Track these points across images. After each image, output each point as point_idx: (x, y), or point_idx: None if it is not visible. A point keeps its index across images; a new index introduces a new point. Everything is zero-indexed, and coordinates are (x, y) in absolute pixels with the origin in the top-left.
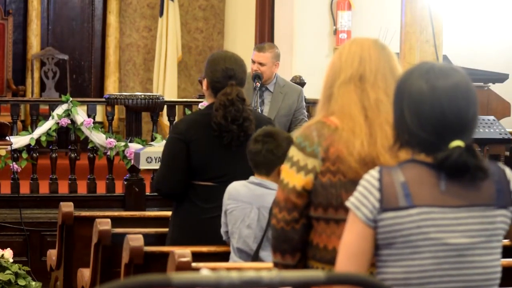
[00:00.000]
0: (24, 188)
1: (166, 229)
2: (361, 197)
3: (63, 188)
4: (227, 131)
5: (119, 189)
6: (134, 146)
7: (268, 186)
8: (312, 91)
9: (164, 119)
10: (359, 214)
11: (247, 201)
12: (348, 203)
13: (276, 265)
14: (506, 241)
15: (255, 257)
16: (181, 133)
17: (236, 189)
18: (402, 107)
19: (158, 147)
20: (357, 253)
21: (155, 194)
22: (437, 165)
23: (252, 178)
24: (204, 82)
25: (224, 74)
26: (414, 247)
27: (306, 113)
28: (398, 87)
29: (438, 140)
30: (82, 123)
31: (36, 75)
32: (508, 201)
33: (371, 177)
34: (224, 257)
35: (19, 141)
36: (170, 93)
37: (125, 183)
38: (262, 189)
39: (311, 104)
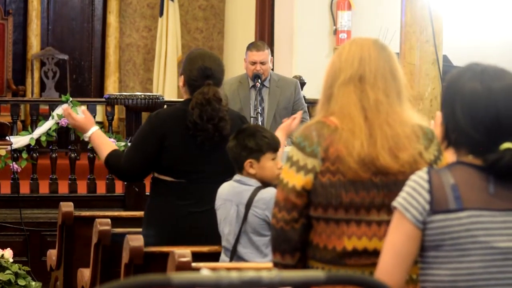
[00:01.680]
0: (24, 188)
1: None
2: (410, 198)
3: (63, 188)
4: (202, 130)
5: (119, 189)
6: None
7: (245, 183)
8: (312, 91)
9: None
10: (408, 215)
11: (228, 199)
12: (395, 203)
13: (276, 265)
14: None
15: (233, 254)
16: (157, 123)
17: (222, 187)
18: (454, 107)
19: None
20: (403, 253)
21: None
22: (486, 168)
23: (235, 176)
24: (181, 79)
25: (201, 73)
26: (463, 250)
27: (305, 104)
28: (449, 87)
29: (489, 142)
30: None
31: (36, 75)
32: None
33: (420, 178)
34: None
35: (19, 141)
36: (170, 93)
37: (125, 183)
38: (241, 185)
39: (311, 104)
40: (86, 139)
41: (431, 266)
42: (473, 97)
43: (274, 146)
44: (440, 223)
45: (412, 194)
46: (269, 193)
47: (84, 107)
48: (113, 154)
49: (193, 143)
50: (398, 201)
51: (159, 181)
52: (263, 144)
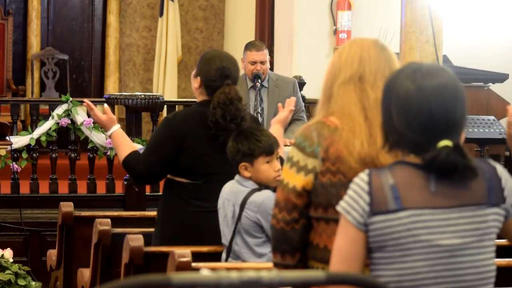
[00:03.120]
0: (24, 188)
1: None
2: (351, 201)
3: (63, 188)
4: (224, 130)
5: (119, 189)
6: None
7: (243, 184)
8: (312, 91)
9: None
10: (349, 218)
11: (227, 198)
12: (338, 207)
13: (276, 265)
14: (504, 241)
15: (229, 253)
16: (176, 125)
17: (225, 187)
18: (390, 108)
19: None
20: (350, 256)
21: (155, 194)
22: (426, 166)
23: (235, 176)
24: (197, 80)
25: (220, 73)
26: (405, 249)
27: (303, 103)
28: (386, 88)
29: (426, 141)
30: (82, 123)
31: (36, 75)
32: (500, 198)
33: (360, 181)
34: None
35: (19, 141)
36: (170, 93)
37: (125, 183)
38: (238, 186)
39: (311, 104)
40: (107, 137)
41: (378, 268)
42: (406, 97)
43: (268, 150)
44: (380, 224)
45: (353, 197)
46: (262, 196)
47: (106, 105)
48: (131, 156)
49: (211, 144)
50: (341, 205)
51: (174, 182)
52: (255, 148)
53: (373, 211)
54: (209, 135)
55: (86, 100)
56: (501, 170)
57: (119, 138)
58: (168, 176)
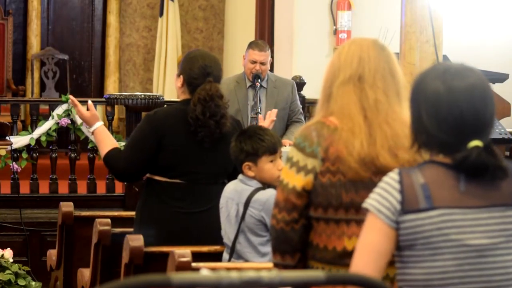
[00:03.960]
0: (24, 188)
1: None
2: (382, 199)
3: (63, 188)
4: (203, 126)
5: (119, 189)
6: None
7: (246, 183)
8: (312, 91)
9: None
10: (381, 216)
11: (230, 197)
12: (367, 205)
13: (276, 265)
14: None
15: (232, 252)
16: (156, 122)
17: (227, 186)
18: (419, 108)
19: None
20: (378, 251)
21: None
22: (456, 166)
23: (239, 176)
24: (180, 79)
25: (202, 71)
26: (435, 248)
27: (300, 105)
28: (414, 89)
29: (456, 141)
30: (82, 123)
31: (36, 75)
32: None
33: (391, 179)
34: None
35: (19, 141)
36: (170, 93)
37: (125, 183)
38: (242, 185)
39: (311, 104)
40: (90, 134)
41: (406, 266)
42: (435, 98)
43: (271, 149)
44: (411, 223)
45: (383, 195)
46: (266, 194)
47: (90, 102)
48: (112, 152)
49: (192, 144)
50: (370, 203)
51: (153, 181)
52: (259, 147)
53: (405, 210)
54: (190, 133)
55: (71, 96)
56: None
57: (101, 135)
58: (148, 175)
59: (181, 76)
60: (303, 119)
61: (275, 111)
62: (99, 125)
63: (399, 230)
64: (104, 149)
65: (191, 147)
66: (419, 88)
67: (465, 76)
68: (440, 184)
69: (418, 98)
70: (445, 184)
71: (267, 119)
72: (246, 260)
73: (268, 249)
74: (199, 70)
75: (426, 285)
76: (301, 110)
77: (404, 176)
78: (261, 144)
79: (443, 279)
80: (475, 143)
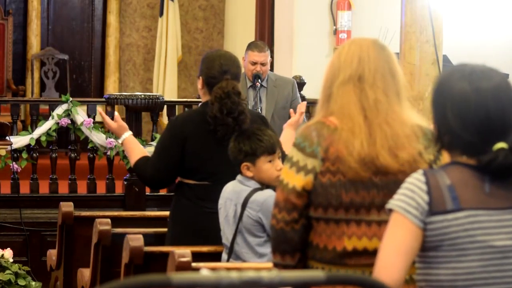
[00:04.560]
0: (24, 188)
1: (166, 229)
2: (409, 199)
3: (63, 188)
4: (222, 124)
5: (119, 189)
6: None
7: (245, 183)
8: (312, 91)
9: (164, 119)
10: (409, 216)
11: (229, 198)
12: (393, 206)
13: (276, 265)
14: None
15: (230, 253)
16: (178, 128)
17: (226, 186)
18: (445, 109)
19: None
20: (405, 250)
21: (155, 194)
22: (481, 167)
23: (237, 176)
24: (199, 81)
25: (219, 69)
26: (461, 249)
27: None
28: (438, 90)
29: (482, 142)
30: (82, 123)
31: (36, 75)
32: None
33: (417, 180)
34: None
35: (19, 141)
36: (170, 93)
37: (125, 183)
38: (241, 185)
39: (311, 104)
40: (119, 144)
41: (430, 266)
42: (462, 99)
43: (269, 149)
44: (439, 224)
45: (411, 196)
46: (264, 195)
47: (117, 113)
48: (140, 161)
49: (213, 144)
50: (396, 204)
51: (184, 184)
52: (257, 148)
53: (432, 211)
54: (210, 134)
55: (100, 110)
56: None
57: (130, 144)
58: (179, 178)
59: (201, 78)
60: (304, 117)
61: (304, 103)
62: (127, 135)
63: (426, 231)
64: (133, 159)
65: (213, 148)
66: (444, 89)
67: (491, 76)
68: (466, 185)
69: (443, 99)
70: (470, 186)
71: (298, 112)
72: (244, 261)
73: (265, 249)
74: (217, 69)
75: (450, 285)
76: None
77: (430, 177)
78: (259, 145)
79: (468, 280)
80: (501, 145)
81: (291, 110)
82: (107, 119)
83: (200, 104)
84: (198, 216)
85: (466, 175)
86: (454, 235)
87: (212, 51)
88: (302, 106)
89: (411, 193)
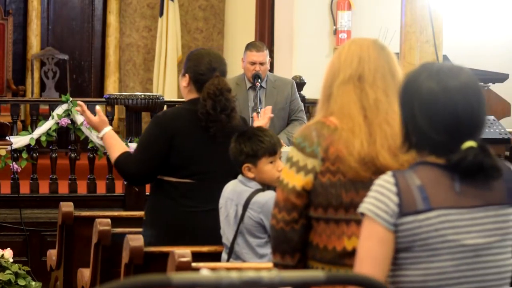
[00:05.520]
0: (24, 188)
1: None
2: (378, 202)
3: (63, 188)
4: (215, 121)
5: (119, 189)
6: (134, 146)
7: (245, 184)
8: (312, 91)
9: None
10: (379, 220)
11: (230, 198)
12: (362, 210)
13: (276, 265)
14: None
15: (230, 253)
16: (166, 123)
17: (227, 186)
18: (412, 108)
19: None
20: (380, 258)
21: None
22: (451, 167)
23: (238, 176)
24: (185, 78)
25: (208, 66)
26: (433, 249)
27: (301, 104)
28: (406, 88)
29: (451, 141)
30: (82, 123)
31: (36, 75)
32: None
33: (386, 182)
34: None
35: (19, 141)
36: (170, 93)
37: (125, 183)
38: (242, 186)
39: (311, 104)
40: (99, 139)
41: (401, 267)
42: (430, 98)
43: (271, 150)
44: (409, 225)
45: (380, 198)
46: (265, 196)
47: (98, 107)
48: (122, 156)
49: (203, 142)
50: (367, 207)
51: (164, 182)
52: (259, 149)
53: (403, 212)
54: (200, 131)
55: (80, 102)
56: None
57: (111, 139)
58: (157, 176)
59: (187, 75)
60: (304, 117)
61: (269, 108)
62: (108, 130)
63: (397, 232)
64: (114, 154)
65: (202, 147)
66: (411, 88)
67: (459, 75)
68: (436, 185)
69: (410, 98)
70: (441, 185)
71: (262, 117)
72: (244, 261)
73: (266, 250)
74: (206, 66)
75: (422, 286)
76: (302, 108)
77: (400, 178)
78: (260, 146)
79: (439, 280)
80: (470, 143)
81: (255, 114)
82: (88, 112)
83: (186, 101)
84: (178, 215)
85: (435, 175)
86: (425, 235)
87: (198, 49)
88: (268, 110)
89: (380, 196)
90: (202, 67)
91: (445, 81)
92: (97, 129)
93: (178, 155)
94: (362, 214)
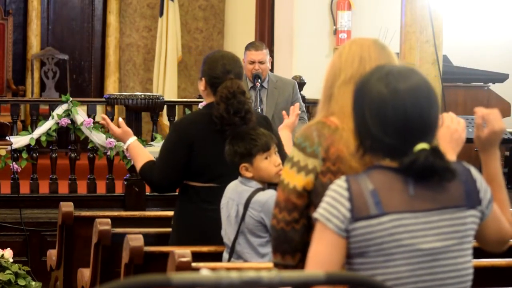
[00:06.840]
0: (24, 188)
1: (166, 229)
2: (331, 207)
3: (63, 188)
4: (229, 124)
5: (119, 189)
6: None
7: (246, 183)
8: (312, 91)
9: (164, 119)
10: (330, 225)
11: (231, 198)
12: (316, 215)
13: (276, 265)
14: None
15: (232, 253)
16: (184, 130)
17: (228, 186)
18: (363, 112)
19: (158, 147)
20: (328, 263)
21: (155, 194)
22: (403, 170)
23: (239, 177)
24: (202, 82)
25: (222, 69)
26: (388, 254)
27: (303, 104)
28: (357, 93)
29: (403, 144)
30: (82, 123)
31: (36, 75)
32: (476, 200)
33: (338, 187)
34: None
35: (19, 141)
36: (170, 93)
37: (125, 183)
38: (242, 186)
39: (311, 104)
40: (125, 150)
41: (358, 273)
42: (379, 101)
43: (264, 147)
44: (362, 230)
45: (332, 204)
46: (266, 195)
47: (121, 119)
48: (146, 166)
49: (221, 144)
50: (319, 212)
51: (188, 187)
52: (252, 147)
53: (355, 217)
54: (217, 135)
55: (103, 115)
56: (475, 172)
57: (135, 150)
58: (183, 181)
59: (203, 79)
60: (305, 117)
61: (297, 105)
62: (132, 140)
63: (350, 238)
64: (139, 164)
65: (221, 151)
66: (362, 92)
67: (408, 77)
68: (389, 189)
69: (361, 102)
70: (394, 189)
71: (292, 114)
72: (246, 261)
73: (267, 250)
74: (220, 70)
75: None
76: (303, 109)
77: (352, 182)
78: (253, 144)
79: (397, 285)
80: (422, 146)
81: (284, 112)
82: (112, 125)
83: (203, 106)
84: (202, 219)
85: (389, 179)
86: (379, 240)
87: (213, 52)
88: (296, 108)
89: (333, 201)
90: (216, 70)
91: (394, 83)
92: (121, 140)
93: (198, 160)
94: (316, 219)
